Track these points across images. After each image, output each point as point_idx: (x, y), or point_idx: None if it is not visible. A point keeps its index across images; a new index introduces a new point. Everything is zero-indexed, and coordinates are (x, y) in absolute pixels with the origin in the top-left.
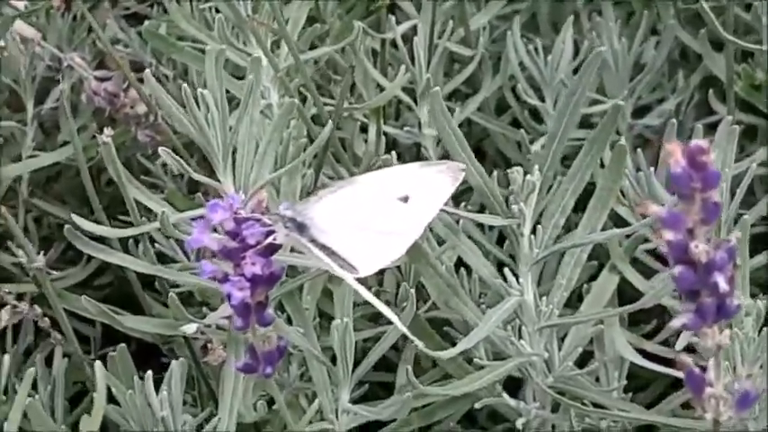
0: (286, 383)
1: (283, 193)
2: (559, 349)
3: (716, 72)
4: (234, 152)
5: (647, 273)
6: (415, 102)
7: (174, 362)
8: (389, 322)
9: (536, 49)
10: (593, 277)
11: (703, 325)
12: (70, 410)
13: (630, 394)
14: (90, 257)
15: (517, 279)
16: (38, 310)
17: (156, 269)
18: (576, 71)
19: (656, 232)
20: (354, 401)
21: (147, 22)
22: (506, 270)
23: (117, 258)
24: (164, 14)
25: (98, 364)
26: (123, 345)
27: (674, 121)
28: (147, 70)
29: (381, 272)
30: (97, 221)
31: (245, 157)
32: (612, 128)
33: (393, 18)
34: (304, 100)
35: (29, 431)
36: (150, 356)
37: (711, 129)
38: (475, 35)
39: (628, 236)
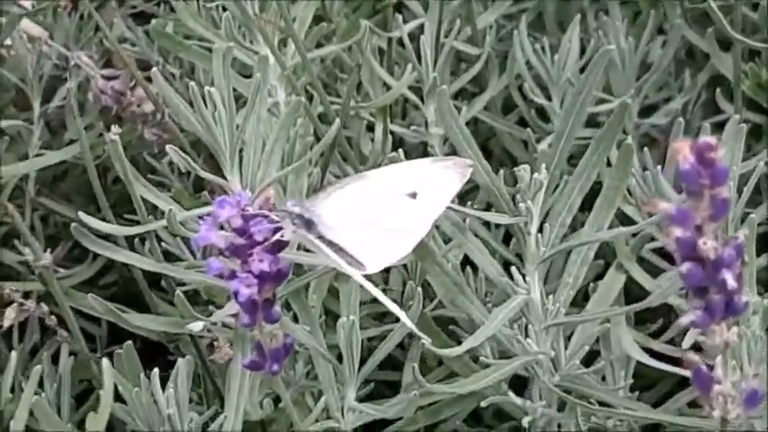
0: (292, 381)
1: (290, 191)
2: (566, 348)
3: (723, 71)
4: (241, 150)
5: (654, 272)
6: (422, 100)
7: (180, 359)
8: (395, 321)
9: (543, 48)
10: (600, 276)
11: (711, 322)
12: (76, 408)
13: (637, 393)
14: (96, 256)
15: (524, 277)
16: (44, 307)
17: (162, 267)
18: (582, 70)
19: (664, 230)
20: (360, 400)
21: (154, 21)
22: (513, 268)
23: (123, 256)
24: (171, 13)
25: (105, 360)
26: (130, 342)
27: (681, 120)
28: (155, 68)
29: (387, 270)
30: (104, 220)
31: (252, 156)
32: (619, 126)
33: (400, 17)
34: (311, 98)
35: (35, 429)
36: (156, 355)
37: (718, 128)
38: (482, 34)
39: (634, 235)
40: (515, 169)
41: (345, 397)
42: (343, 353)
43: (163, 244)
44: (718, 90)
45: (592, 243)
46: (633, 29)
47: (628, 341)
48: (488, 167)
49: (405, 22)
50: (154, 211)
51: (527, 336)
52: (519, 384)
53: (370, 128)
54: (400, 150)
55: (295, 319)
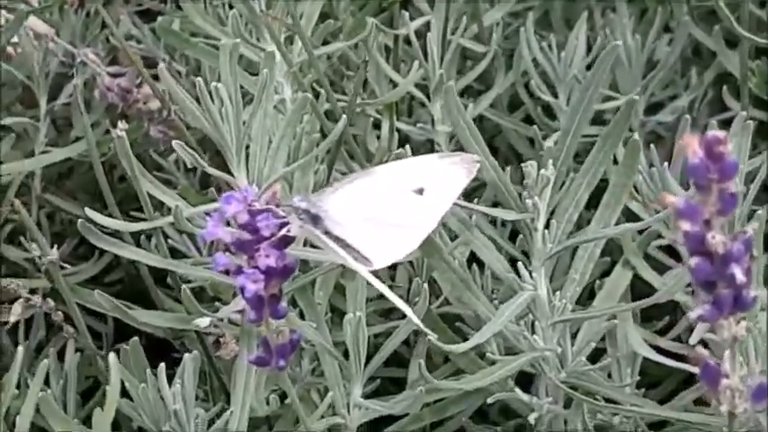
0: (298, 378)
1: (296, 188)
2: (572, 344)
3: (730, 69)
4: (247, 147)
5: (660, 269)
6: (428, 98)
7: (186, 355)
8: (401, 317)
9: (549, 46)
10: (606, 273)
11: (720, 316)
12: (82, 405)
13: (643, 391)
14: (102, 253)
15: (530, 274)
16: (51, 303)
17: (168, 263)
18: (589, 67)
19: (672, 225)
20: (366, 396)
21: (160, 18)
22: (519, 265)
23: (130, 252)
24: (177, 10)
25: (112, 356)
26: (136, 338)
27: (688, 117)
28: (162, 64)
29: (394, 267)
30: (110, 217)
31: (258, 152)
32: (627, 123)
33: (406, 14)
34: (317, 96)
35: (42, 426)
36: (162, 352)
37: (725, 125)
38: (488, 31)
39: (641, 232)
40: (522, 165)
41: (351, 393)
42: (349, 349)
43: (169, 241)
44: (724, 87)
45: (599, 239)
46: (640, 26)
47: (635, 338)
48: (495, 164)
49: (411, 19)
50: (160, 208)
51: (533, 332)
52: (525, 381)
53: (377, 125)
54: (407, 147)
55: (301, 316)
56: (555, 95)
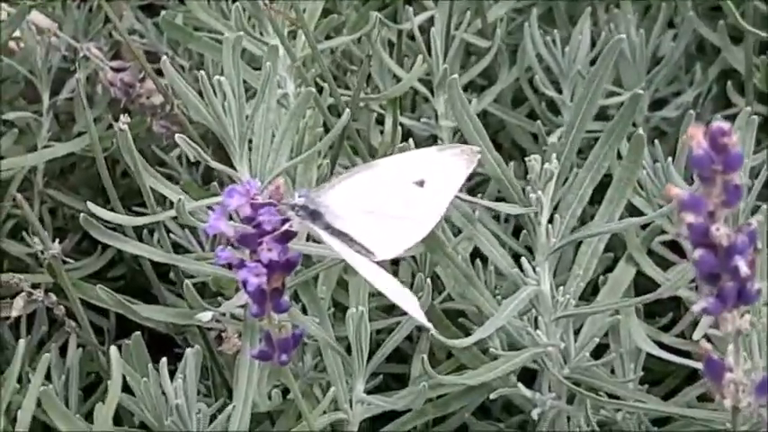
0: (301, 373)
1: (299, 182)
2: (575, 340)
3: (734, 64)
4: (250, 141)
5: (663, 265)
6: (432, 93)
7: (188, 350)
8: (404, 313)
9: (553, 41)
10: (609, 269)
11: (723, 309)
12: (84, 400)
13: (646, 386)
14: (104, 249)
15: (534, 269)
16: (53, 297)
17: (171, 258)
18: (593, 63)
19: (675, 219)
20: (369, 392)
21: (163, 13)
22: (523, 260)
23: (132, 247)
24: (180, 5)
25: (114, 350)
26: (138, 333)
27: (692, 112)
28: (165, 58)
29: (397, 262)
30: (113, 211)
31: (261, 146)
32: (631, 118)
33: (410, 9)
34: (320, 90)
35: (43, 420)
36: (164, 348)
37: (730, 121)
38: (492, 27)
39: (644, 227)
40: (526, 159)
41: (354, 389)
42: (352, 345)
43: (171, 236)
44: (729, 83)
45: (602, 234)
46: (644, 22)
47: (638, 334)
48: (499, 158)
49: (415, 14)
50: (163, 202)
51: (536, 328)
52: (528, 377)
53: (380, 120)
54: (410, 141)
55: (304, 311)
56: (559, 91)
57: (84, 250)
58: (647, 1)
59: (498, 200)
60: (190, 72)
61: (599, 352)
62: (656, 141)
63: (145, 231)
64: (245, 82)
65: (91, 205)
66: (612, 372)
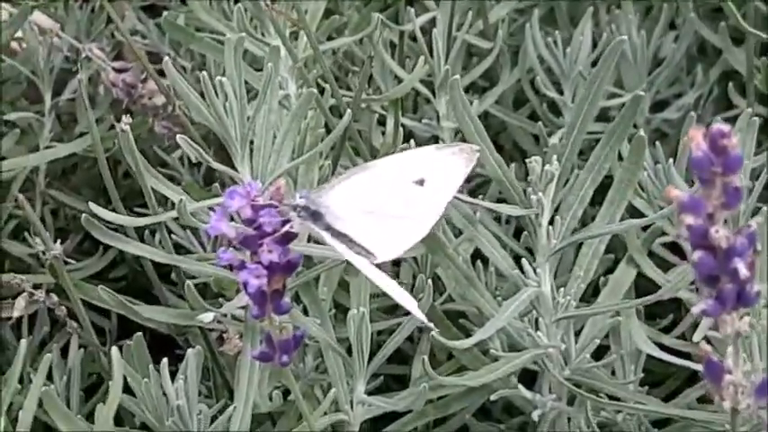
0: (302, 374)
1: (300, 183)
2: (576, 341)
3: (735, 66)
4: (251, 142)
5: (664, 266)
6: (434, 94)
7: (189, 350)
8: (405, 314)
9: (554, 42)
10: (610, 270)
11: (723, 311)
12: (85, 401)
13: (647, 388)
14: (106, 249)
15: (534, 270)
16: (54, 298)
17: (172, 258)
18: (594, 64)
19: (676, 221)
20: (369, 393)
21: (165, 13)
22: (524, 261)
23: (134, 248)
24: (182, 5)
25: (115, 351)
26: (139, 333)
27: (693, 113)
28: (167, 59)
29: (398, 263)
30: (114, 212)
31: (262, 147)
32: (632, 119)
33: (412, 10)
34: (322, 91)
35: (44, 421)
36: (165, 349)
37: (731, 122)
38: (493, 28)
39: (645, 229)
40: (527, 161)
41: (355, 390)
42: (352, 346)
43: (173, 236)
44: (730, 85)
45: (603, 236)
46: (645, 23)
47: (639, 335)
48: (500, 159)
49: (417, 15)
50: (164, 203)
51: (537, 329)
52: (529, 378)
53: (382, 121)
54: (412, 141)
55: (305, 312)
56: (560, 92)
57: (86, 251)
58: (649, 2)
59: (499, 201)
60: (192, 73)
61: (599, 353)
62: (658, 143)
63: (146, 232)
64: (246, 83)
65: (92, 206)
66: (613, 373)
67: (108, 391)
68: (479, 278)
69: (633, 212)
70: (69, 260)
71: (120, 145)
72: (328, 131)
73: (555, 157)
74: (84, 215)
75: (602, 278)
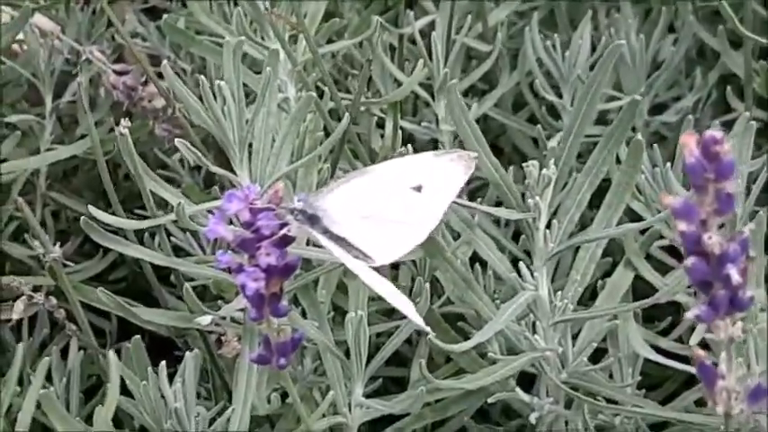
0: (300, 377)
1: (299, 187)
2: (573, 345)
3: (734, 69)
4: (250, 145)
5: (662, 270)
6: (433, 97)
7: (187, 353)
8: (403, 317)
9: (554, 46)
10: (607, 274)
11: (716, 317)
12: (85, 403)
13: (644, 391)
14: (105, 252)
15: (532, 274)
16: (53, 300)
17: (171, 261)
18: (593, 67)
19: (672, 225)
20: (367, 396)
21: (166, 16)
22: (521, 264)
23: (133, 250)
24: (183, 8)
25: (112, 354)
26: (138, 336)
27: (691, 117)
28: (165, 62)
29: (396, 266)
30: (114, 215)
31: (261, 150)
32: (630, 122)
33: (411, 13)
34: (321, 94)
35: (43, 423)
36: (164, 351)
37: (729, 126)
38: (493, 31)
39: (642, 232)
40: (524, 165)
41: (353, 393)
42: (351, 348)
43: (172, 239)
44: (728, 88)
45: (601, 239)
46: (644, 26)
47: (636, 338)
48: (497, 163)
49: (416, 18)
50: (164, 206)
51: (535, 332)
52: (526, 381)
53: (381, 124)
54: (409, 146)
55: (304, 315)
56: (559, 95)
57: (86, 253)
58: (648, 5)
59: (497, 205)
60: (192, 75)
61: (597, 356)
62: (656, 146)
63: (146, 234)
64: (245, 86)
65: (92, 208)
66: (610, 376)
67: (107, 392)
68: (477, 281)
69: (631, 216)
70: (69, 262)
71: (119, 148)
72: (327, 135)
73: (552, 160)
74: (83, 218)
75: (599, 281)
